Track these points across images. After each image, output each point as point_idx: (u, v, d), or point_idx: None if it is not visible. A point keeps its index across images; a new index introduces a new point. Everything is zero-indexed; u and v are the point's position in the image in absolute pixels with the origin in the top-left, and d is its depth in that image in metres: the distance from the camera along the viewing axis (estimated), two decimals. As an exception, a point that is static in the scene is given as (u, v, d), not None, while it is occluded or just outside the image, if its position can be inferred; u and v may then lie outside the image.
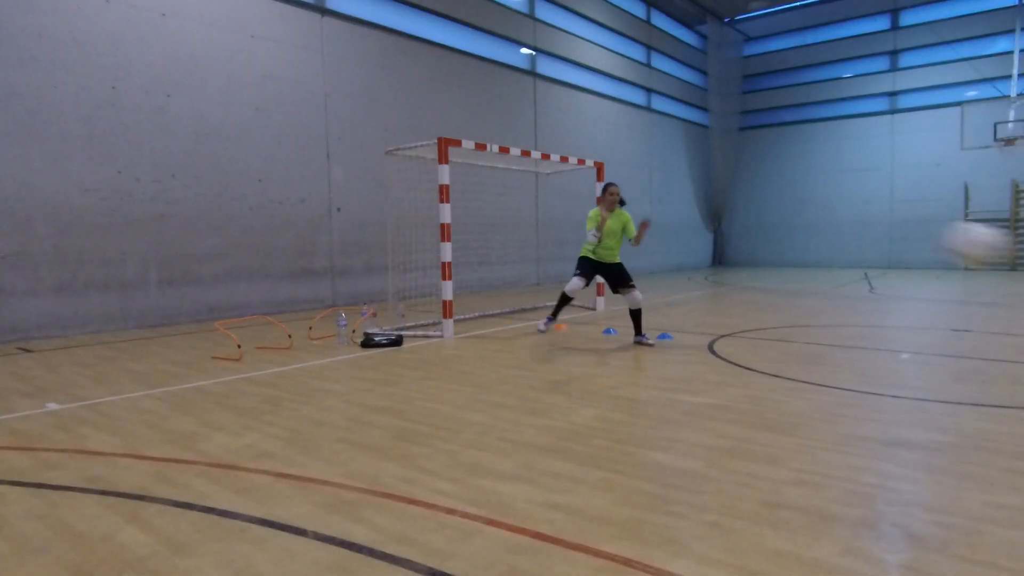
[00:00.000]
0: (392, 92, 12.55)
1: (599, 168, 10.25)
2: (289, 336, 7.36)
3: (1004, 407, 4.20)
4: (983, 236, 4.44)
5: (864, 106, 22.55)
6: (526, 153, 9.19)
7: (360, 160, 11.89)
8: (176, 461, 3.39)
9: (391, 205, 9.50)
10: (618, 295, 7.15)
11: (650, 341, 6.95)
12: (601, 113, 18.70)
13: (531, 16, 16.07)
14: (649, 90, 21.21)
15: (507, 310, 10.24)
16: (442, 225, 7.50)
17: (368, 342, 7.02)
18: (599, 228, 6.87)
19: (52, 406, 4.62)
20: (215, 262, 9.89)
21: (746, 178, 25.32)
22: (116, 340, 7.89)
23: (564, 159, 9.45)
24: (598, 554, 2.31)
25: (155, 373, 5.78)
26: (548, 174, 11.30)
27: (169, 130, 9.29)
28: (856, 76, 22.63)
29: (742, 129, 25.17)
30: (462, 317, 9.18)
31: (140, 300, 9.05)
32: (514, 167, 10.86)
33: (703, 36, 24.22)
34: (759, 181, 25.06)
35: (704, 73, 24.57)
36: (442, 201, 7.45)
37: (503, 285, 15.19)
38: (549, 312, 7.12)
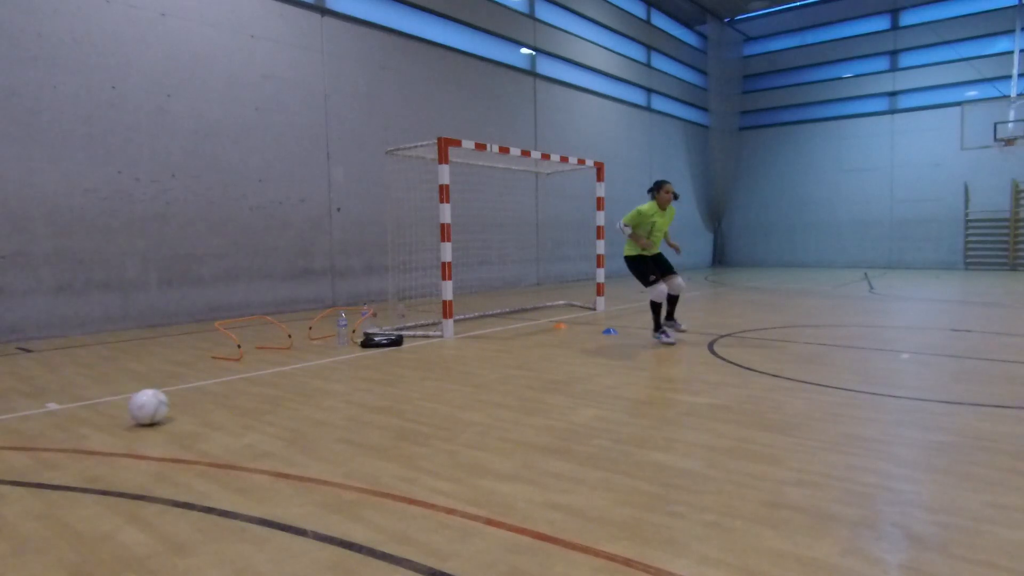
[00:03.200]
0: (392, 92, 12.55)
1: (599, 168, 10.26)
2: (289, 336, 7.36)
3: (1004, 407, 4.20)
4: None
5: (864, 106, 22.55)
6: (526, 153, 9.19)
7: (360, 160, 11.88)
8: (176, 461, 3.39)
9: (391, 205, 9.50)
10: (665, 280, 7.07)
11: (683, 328, 7.27)
12: (602, 113, 18.70)
13: (531, 16, 16.07)
14: (649, 90, 21.21)
15: (507, 310, 10.23)
16: (442, 225, 7.50)
17: (368, 342, 7.01)
18: (647, 232, 6.94)
19: (52, 406, 4.62)
20: (215, 262, 9.88)
21: (746, 178, 25.32)
22: (116, 340, 7.89)
23: (564, 159, 9.45)
24: (598, 554, 2.30)
25: (155, 373, 5.78)
26: (548, 174, 11.27)
27: (169, 130, 9.29)
28: (856, 76, 22.63)
29: (742, 129, 25.18)
30: (462, 317, 9.18)
31: (140, 300, 9.05)
32: (514, 167, 10.86)
33: (703, 36, 24.22)
34: (759, 181, 25.06)
35: (704, 73, 24.57)
36: (442, 201, 7.45)
37: (503, 285, 15.18)
38: (654, 328, 7.07)
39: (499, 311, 10.07)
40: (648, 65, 21.10)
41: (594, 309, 10.32)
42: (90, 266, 8.55)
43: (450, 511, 2.69)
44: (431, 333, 7.71)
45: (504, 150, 8.38)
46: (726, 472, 3.09)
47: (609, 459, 3.30)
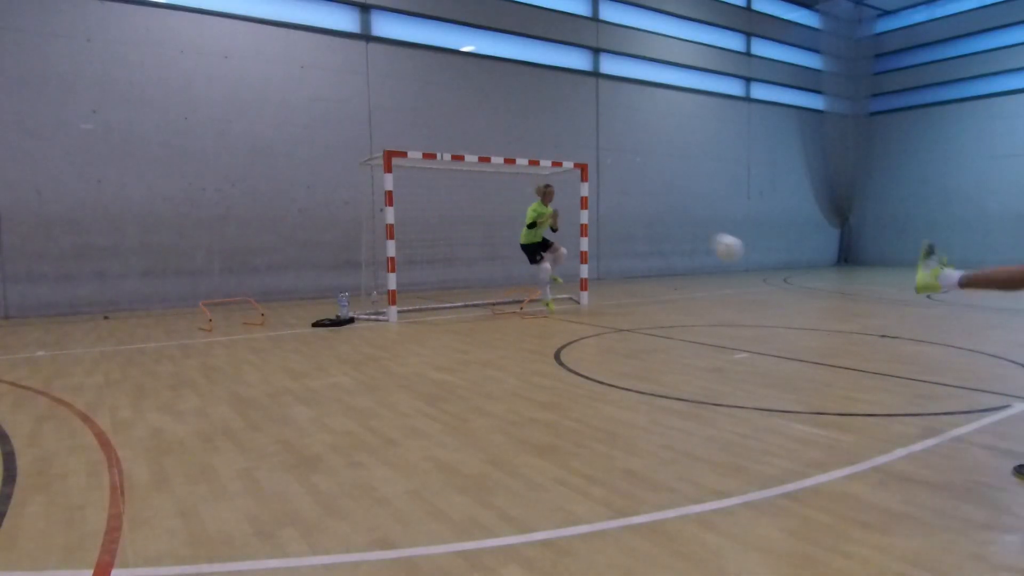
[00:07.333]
0: (438, 104, 13.97)
1: (583, 169, 10.73)
2: (262, 315, 9.17)
3: None
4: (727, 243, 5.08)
5: (1021, 80, 19.32)
6: (510, 161, 10.10)
7: (403, 167, 13.45)
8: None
9: (369, 208, 10.93)
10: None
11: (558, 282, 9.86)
12: (681, 108, 18.42)
13: (594, 18, 16.48)
14: (748, 79, 20.26)
15: (479, 302, 11.17)
16: (387, 226, 8.77)
17: (319, 323, 8.54)
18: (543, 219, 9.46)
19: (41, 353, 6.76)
20: (268, 255, 12.13)
21: (879, 168, 22.90)
22: (177, 313, 10.33)
23: (534, 162, 10.17)
24: (119, 452, 3.47)
25: (187, 329, 7.84)
26: (546, 175, 11.88)
27: (230, 148, 11.65)
28: (1012, 47, 19.43)
29: (873, 114, 22.79)
30: (446, 306, 10.34)
31: (206, 283, 11.53)
32: (521, 171, 11.68)
33: (820, 14, 22.22)
34: (895, 171, 22.54)
35: (818, 53, 22.47)
36: (387, 204, 8.70)
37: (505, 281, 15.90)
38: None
39: (476, 302, 11.04)
40: (747, 53, 20.16)
41: (578, 303, 10.85)
42: (167, 256, 11.16)
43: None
44: (380, 318, 9.03)
45: (458, 158, 9.39)
46: (318, 421, 4.03)
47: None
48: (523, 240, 9.61)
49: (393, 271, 8.90)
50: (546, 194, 9.53)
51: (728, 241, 5.04)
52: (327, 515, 2.70)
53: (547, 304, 9.73)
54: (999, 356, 5.95)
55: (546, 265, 9.53)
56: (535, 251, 9.57)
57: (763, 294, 12.59)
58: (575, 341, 7.11)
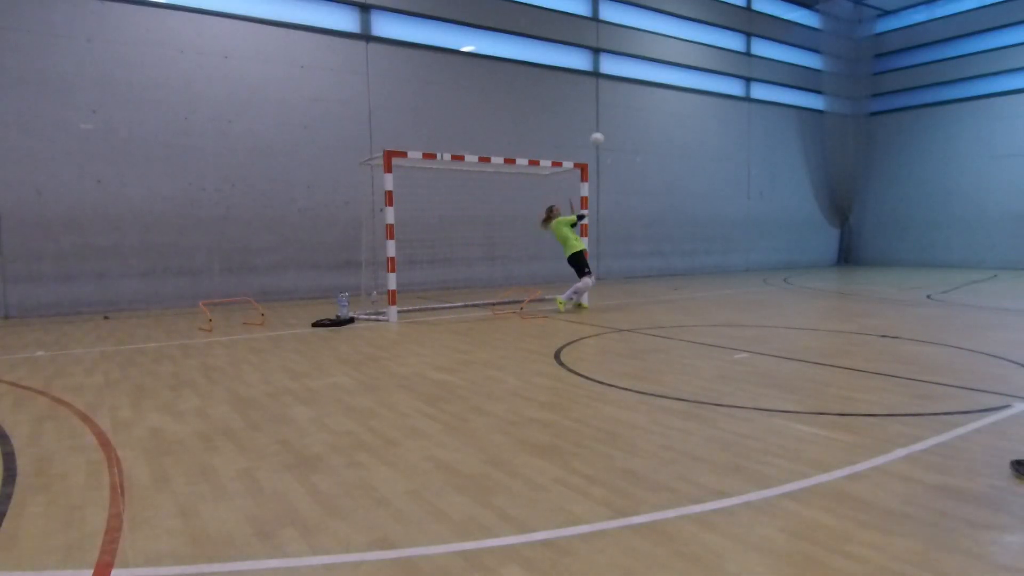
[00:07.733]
0: (438, 104, 13.96)
1: (583, 169, 10.73)
2: (262, 315, 9.16)
3: None
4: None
5: (1020, 80, 19.31)
6: (510, 161, 10.10)
7: (403, 167, 13.45)
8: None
9: (369, 208, 10.91)
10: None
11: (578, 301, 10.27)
12: (681, 107, 18.41)
13: (594, 18, 16.47)
14: (748, 79, 20.24)
15: (481, 302, 11.17)
16: (387, 226, 8.76)
17: (319, 323, 8.54)
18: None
19: (40, 353, 6.76)
20: (268, 254, 12.12)
21: (879, 168, 22.89)
22: (173, 312, 10.33)
23: (534, 162, 10.17)
24: (119, 452, 3.47)
25: (189, 329, 7.84)
26: (546, 175, 11.87)
27: (230, 148, 11.65)
28: (1012, 47, 19.43)
29: (873, 114, 22.78)
30: (444, 305, 10.33)
31: (206, 283, 11.53)
32: (521, 171, 11.67)
33: (820, 14, 22.20)
34: (895, 171, 22.53)
35: (819, 53, 22.44)
36: (387, 204, 8.70)
37: (504, 281, 15.93)
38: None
39: (476, 302, 11.04)
40: (747, 53, 20.14)
41: (579, 303, 10.83)
42: (167, 256, 11.16)
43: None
44: (380, 318, 9.03)
45: (458, 157, 9.38)
46: (318, 421, 4.02)
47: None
48: (570, 252, 10.04)
49: (393, 271, 8.90)
50: (551, 212, 10.21)
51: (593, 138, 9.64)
52: (327, 515, 2.70)
53: (560, 303, 9.90)
54: (999, 356, 5.95)
55: (588, 280, 9.99)
56: (583, 266, 10.03)
57: (763, 294, 12.59)
58: (575, 341, 7.12)
